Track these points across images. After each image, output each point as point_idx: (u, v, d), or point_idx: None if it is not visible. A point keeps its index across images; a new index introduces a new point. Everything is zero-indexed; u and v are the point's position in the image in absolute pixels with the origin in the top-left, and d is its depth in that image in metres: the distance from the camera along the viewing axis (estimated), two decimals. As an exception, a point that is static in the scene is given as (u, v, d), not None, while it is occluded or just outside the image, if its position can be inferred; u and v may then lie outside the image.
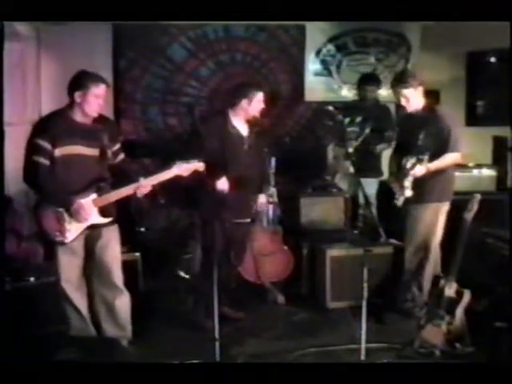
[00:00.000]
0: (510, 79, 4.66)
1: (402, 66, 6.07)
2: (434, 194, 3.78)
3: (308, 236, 4.74)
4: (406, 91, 3.79)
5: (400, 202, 3.79)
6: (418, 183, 3.69)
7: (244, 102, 3.77)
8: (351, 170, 4.93)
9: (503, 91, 4.83)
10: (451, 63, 6.07)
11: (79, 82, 3.16)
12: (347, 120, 5.03)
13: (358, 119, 5.02)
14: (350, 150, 4.76)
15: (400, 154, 3.91)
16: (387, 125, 4.88)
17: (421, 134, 3.71)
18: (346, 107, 5.22)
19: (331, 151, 5.30)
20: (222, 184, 3.66)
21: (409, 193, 3.71)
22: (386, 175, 4.75)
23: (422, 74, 4.24)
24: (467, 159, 5.27)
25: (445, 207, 3.85)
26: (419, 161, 3.59)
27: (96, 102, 3.16)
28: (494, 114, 5.86)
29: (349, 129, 4.98)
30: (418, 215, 3.84)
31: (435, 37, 5.73)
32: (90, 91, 3.12)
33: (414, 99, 3.82)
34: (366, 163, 4.66)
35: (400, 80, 3.86)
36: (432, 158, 3.64)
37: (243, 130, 3.86)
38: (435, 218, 3.82)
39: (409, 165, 3.69)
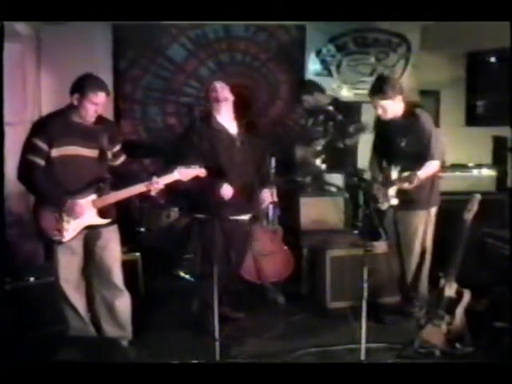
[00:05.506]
0: (510, 79, 4.65)
1: (401, 66, 6.06)
2: (420, 202, 3.70)
3: (308, 236, 4.74)
4: (383, 102, 3.65)
5: (384, 206, 3.75)
6: (404, 191, 3.60)
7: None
8: (323, 167, 4.98)
9: (503, 91, 4.82)
10: (451, 63, 6.06)
11: (79, 85, 3.16)
12: (310, 122, 5.07)
13: (321, 118, 5.06)
14: (319, 148, 4.76)
15: (381, 160, 3.85)
16: (350, 120, 4.89)
17: (402, 141, 3.65)
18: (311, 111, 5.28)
19: (299, 152, 5.30)
20: (225, 190, 3.62)
21: (394, 201, 3.66)
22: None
23: (401, 81, 4.09)
24: (467, 159, 5.29)
25: (433, 211, 3.79)
26: (410, 177, 3.40)
27: (92, 108, 3.15)
28: (494, 114, 5.85)
29: (313, 129, 5.03)
30: (407, 222, 3.78)
31: (435, 37, 5.73)
32: (87, 97, 3.11)
33: (391, 109, 3.67)
34: (337, 159, 4.65)
35: (378, 90, 3.65)
36: (414, 164, 3.51)
37: (232, 127, 3.79)
38: (425, 224, 3.76)
39: (394, 174, 3.63)
